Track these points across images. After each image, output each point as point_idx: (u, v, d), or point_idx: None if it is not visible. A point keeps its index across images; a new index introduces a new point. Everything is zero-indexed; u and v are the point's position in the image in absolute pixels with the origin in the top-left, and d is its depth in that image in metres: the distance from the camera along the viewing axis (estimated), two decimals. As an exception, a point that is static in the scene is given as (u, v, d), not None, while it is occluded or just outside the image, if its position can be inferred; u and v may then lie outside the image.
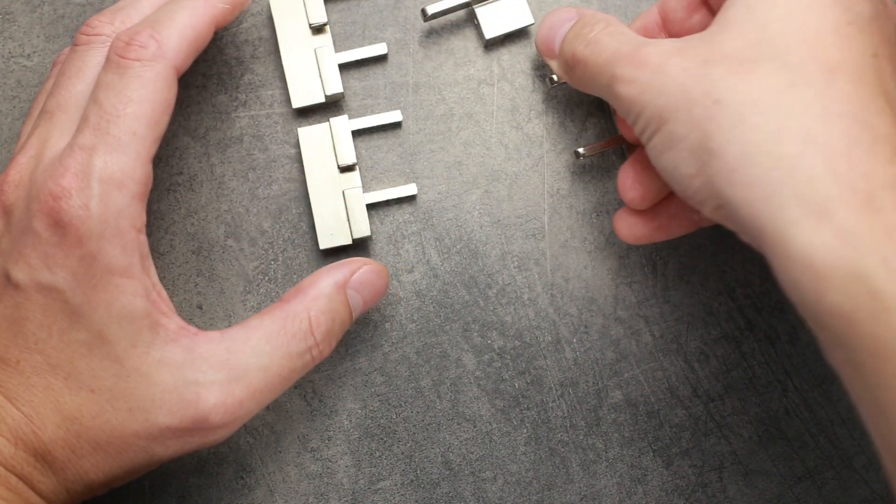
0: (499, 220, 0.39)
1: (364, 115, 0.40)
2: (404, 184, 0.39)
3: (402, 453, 0.38)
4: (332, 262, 0.39)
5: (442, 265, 0.39)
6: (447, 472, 0.38)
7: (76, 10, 0.40)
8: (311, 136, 0.39)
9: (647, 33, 0.37)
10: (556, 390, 0.39)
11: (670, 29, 0.36)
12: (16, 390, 0.30)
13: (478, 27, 0.40)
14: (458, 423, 0.38)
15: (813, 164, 0.27)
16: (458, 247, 0.39)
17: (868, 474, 0.39)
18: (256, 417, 0.38)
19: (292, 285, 0.39)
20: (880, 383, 0.26)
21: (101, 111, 0.30)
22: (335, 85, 0.39)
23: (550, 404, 0.39)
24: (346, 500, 0.38)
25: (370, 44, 0.40)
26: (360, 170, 0.39)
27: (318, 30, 0.39)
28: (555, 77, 0.38)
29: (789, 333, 0.39)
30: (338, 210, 0.38)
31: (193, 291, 0.39)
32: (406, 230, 0.39)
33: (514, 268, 0.39)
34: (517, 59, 0.40)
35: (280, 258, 0.39)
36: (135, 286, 0.30)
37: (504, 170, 0.40)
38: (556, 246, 0.39)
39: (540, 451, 0.38)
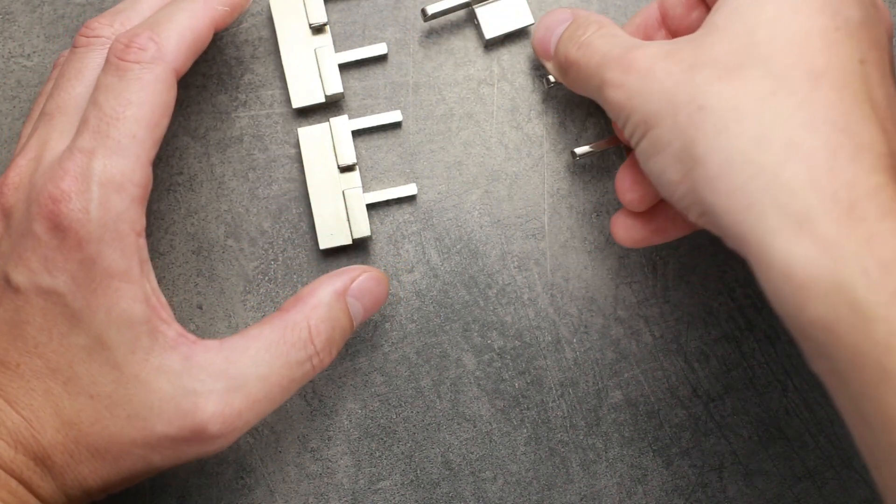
0: (499, 220, 0.39)
1: (364, 115, 0.40)
2: (404, 184, 0.39)
3: (402, 453, 0.38)
4: (332, 262, 0.39)
5: (442, 265, 0.39)
6: (447, 472, 0.38)
7: (76, 10, 0.40)
8: (311, 136, 0.39)
9: (647, 29, 0.37)
10: (556, 390, 0.39)
11: (670, 25, 0.36)
12: (16, 394, 0.30)
13: (478, 27, 0.40)
14: (458, 423, 0.38)
15: (794, 174, 0.27)
16: (458, 247, 0.39)
17: (868, 474, 0.39)
18: (257, 417, 0.38)
19: (292, 285, 0.39)
20: (863, 393, 0.26)
21: (100, 114, 0.30)
22: (335, 85, 0.39)
23: (550, 404, 0.39)
24: (346, 500, 0.38)
25: (370, 44, 0.40)
26: (360, 170, 0.39)
27: (318, 30, 0.39)
28: (551, 78, 0.38)
29: (789, 333, 0.39)
30: (338, 210, 0.38)
31: (193, 291, 0.39)
32: (406, 230, 0.39)
33: (514, 268, 0.39)
34: (517, 59, 0.40)
35: (280, 258, 0.39)
36: (134, 290, 0.30)
37: (504, 170, 0.40)
38: (556, 246, 0.39)
39: (540, 451, 0.38)
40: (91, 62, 0.33)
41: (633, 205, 0.35)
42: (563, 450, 0.38)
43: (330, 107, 0.40)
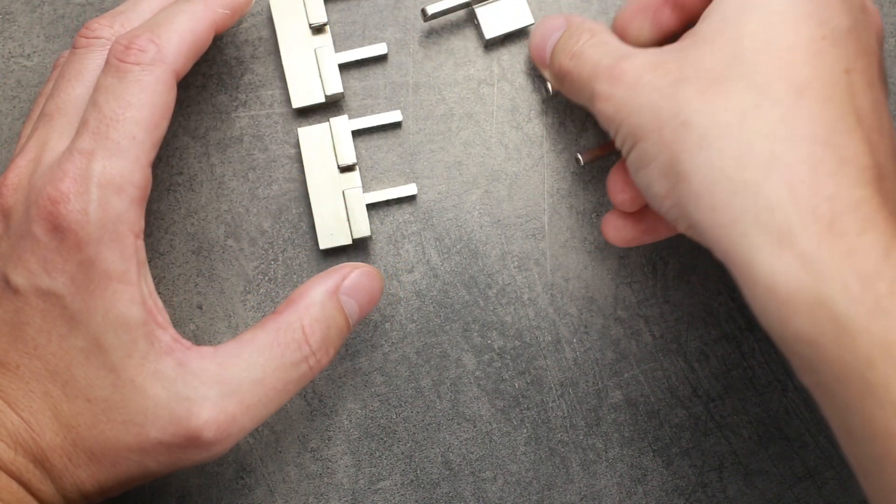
0: (499, 220, 0.39)
1: (364, 115, 0.40)
2: (404, 184, 0.39)
3: (402, 453, 0.38)
4: (332, 262, 0.39)
5: (442, 265, 0.39)
6: (447, 472, 0.38)
7: (76, 11, 0.40)
8: (311, 136, 0.39)
9: (651, 6, 0.36)
10: (556, 390, 0.39)
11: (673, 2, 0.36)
12: (15, 395, 0.30)
13: (478, 27, 0.40)
14: (458, 423, 0.38)
15: (775, 189, 0.27)
16: (458, 247, 0.39)
17: (867, 474, 0.39)
18: (257, 417, 0.38)
19: (292, 285, 0.39)
20: (847, 406, 0.26)
21: (100, 115, 0.30)
22: (335, 85, 0.39)
23: (550, 404, 0.39)
24: (346, 500, 0.38)
25: (370, 44, 0.40)
26: (360, 170, 0.39)
27: (318, 30, 0.39)
28: (550, 87, 0.38)
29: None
30: (338, 210, 0.38)
31: (193, 291, 0.39)
32: (406, 230, 0.39)
33: (514, 268, 0.39)
34: (517, 59, 0.40)
35: (280, 258, 0.39)
36: (131, 293, 0.30)
37: (504, 170, 0.40)
38: (556, 246, 0.39)
39: (540, 451, 0.38)
40: (91, 63, 0.33)
41: (625, 205, 0.35)
42: (563, 450, 0.38)
43: (330, 107, 0.40)
